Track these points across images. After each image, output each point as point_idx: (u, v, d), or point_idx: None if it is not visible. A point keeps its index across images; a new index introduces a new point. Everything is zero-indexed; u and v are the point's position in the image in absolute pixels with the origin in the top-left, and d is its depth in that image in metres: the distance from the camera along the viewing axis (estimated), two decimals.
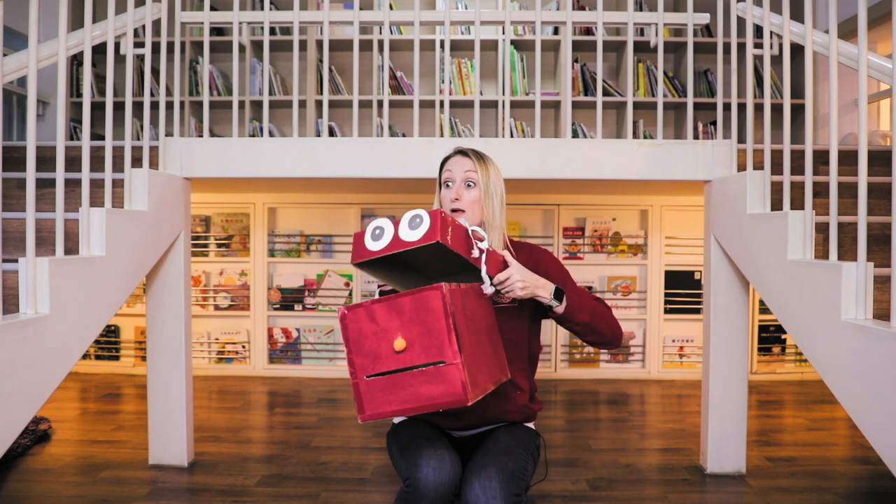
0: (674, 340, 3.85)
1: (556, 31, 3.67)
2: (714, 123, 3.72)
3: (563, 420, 3.03)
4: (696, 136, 3.68)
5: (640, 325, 3.87)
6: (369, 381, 1.11)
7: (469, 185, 1.45)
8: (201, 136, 3.07)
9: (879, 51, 3.25)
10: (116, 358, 3.91)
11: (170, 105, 3.24)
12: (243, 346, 3.87)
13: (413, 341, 1.11)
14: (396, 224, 1.22)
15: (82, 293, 1.61)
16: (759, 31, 2.28)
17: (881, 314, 1.43)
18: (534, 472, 1.43)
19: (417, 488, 1.19)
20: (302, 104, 3.69)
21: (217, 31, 3.67)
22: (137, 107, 3.38)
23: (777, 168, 2.06)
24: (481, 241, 1.27)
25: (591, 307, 1.43)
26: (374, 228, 1.22)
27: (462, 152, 1.50)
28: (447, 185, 1.48)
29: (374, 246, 1.21)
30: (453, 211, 1.44)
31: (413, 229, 1.19)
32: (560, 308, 1.38)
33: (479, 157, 1.49)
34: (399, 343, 1.11)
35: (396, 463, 1.37)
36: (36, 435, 2.61)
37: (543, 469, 1.56)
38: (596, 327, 1.43)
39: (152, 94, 3.69)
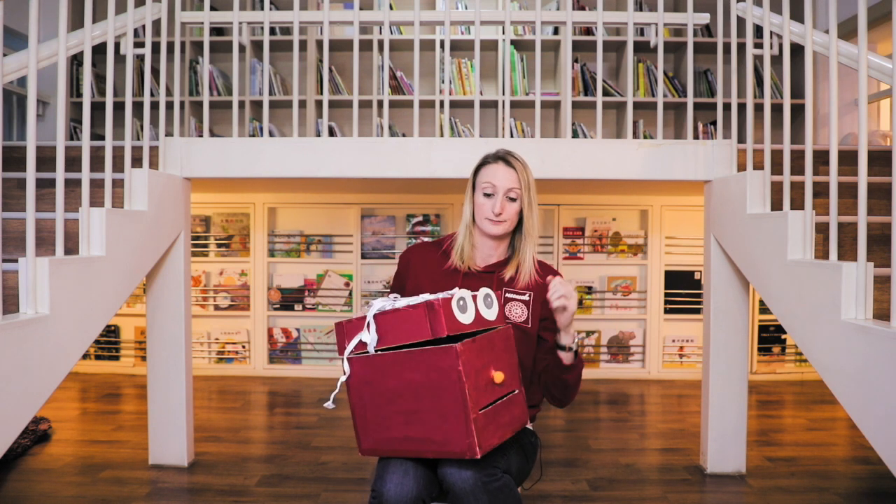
0: (674, 340, 3.85)
1: (556, 31, 3.67)
2: (714, 123, 3.71)
3: (563, 420, 3.03)
4: (696, 136, 3.68)
5: (640, 325, 3.87)
6: (482, 415, 1.15)
7: (511, 199, 1.43)
8: (201, 136, 3.07)
9: (879, 51, 3.25)
10: (116, 358, 3.91)
11: (170, 105, 3.23)
12: (243, 346, 3.87)
13: (504, 373, 1.22)
14: (475, 298, 1.24)
15: (82, 293, 1.61)
16: (759, 31, 2.27)
17: (881, 314, 1.43)
18: (528, 469, 1.43)
19: (380, 501, 1.22)
20: (302, 104, 3.69)
21: (217, 31, 3.67)
22: (137, 107, 3.38)
23: (777, 168, 2.06)
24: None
25: (577, 374, 1.41)
26: (458, 299, 1.19)
27: (506, 161, 1.45)
28: (487, 195, 1.43)
29: (463, 319, 1.20)
30: (489, 220, 1.42)
31: (489, 308, 1.27)
32: (569, 357, 1.37)
33: (523, 166, 1.46)
34: (499, 376, 1.20)
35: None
36: (36, 435, 2.61)
37: (539, 469, 1.55)
38: (568, 390, 1.42)
39: (152, 94, 3.69)
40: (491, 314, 1.27)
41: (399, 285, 1.55)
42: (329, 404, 1.27)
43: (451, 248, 1.50)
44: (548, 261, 3.77)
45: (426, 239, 3.86)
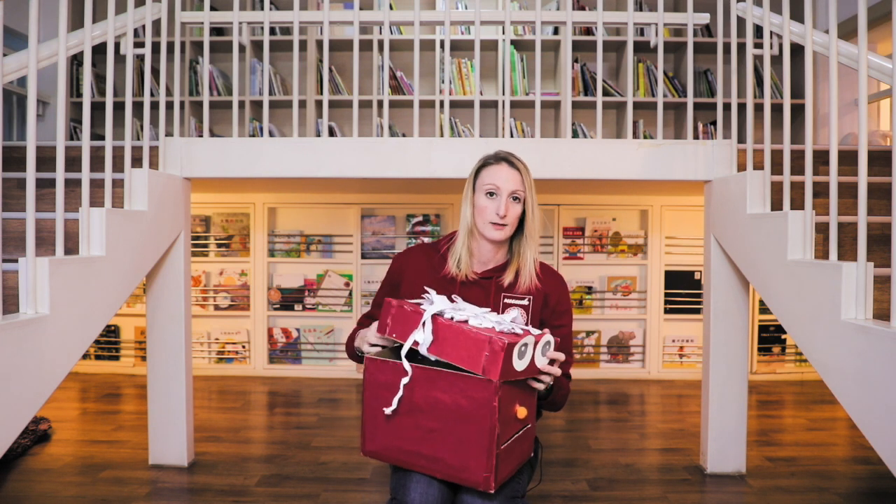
0: (674, 340, 3.85)
1: (556, 31, 3.67)
2: (714, 123, 3.71)
3: (563, 420, 3.03)
4: (696, 136, 3.68)
5: (640, 325, 3.87)
6: (503, 450, 1.15)
7: (515, 199, 1.39)
8: (201, 136, 3.07)
9: (879, 51, 3.25)
10: (116, 358, 3.91)
11: (170, 105, 3.24)
12: (243, 346, 3.87)
13: (527, 409, 1.22)
14: (536, 344, 1.19)
15: (82, 293, 1.61)
16: (759, 31, 2.28)
17: (881, 314, 1.43)
18: (531, 477, 1.43)
19: None
20: (302, 104, 3.69)
21: (217, 31, 3.67)
22: (137, 107, 3.38)
23: (777, 168, 2.06)
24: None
25: (560, 399, 1.41)
26: (521, 345, 1.14)
27: (510, 162, 1.41)
28: (490, 195, 1.39)
29: (518, 366, 1.15)
30: (493, 224, 1.38)
31: (542, 355, 1.22)
32: (544, 394, 1.36)
33: (525, 168, 1.42)
34: (522, 411, 1.19)
35: (391, 474, 1.37)
36: (36, 435, 2.61)
37: (539, 473, 1.55)
38: (556, 407, 1.43)
39: (152, 94, 3.69)
40: (542, 361, 1.22)
41: (391, 288, 1.51)
42: (388, 410, 1.20)
43: (449, 253, 1.45)
44: (548, 261, 3.79)
45: (426, 239, 3.86)
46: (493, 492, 1.13)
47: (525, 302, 1.43)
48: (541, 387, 1.25)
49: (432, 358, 1.18)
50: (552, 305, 1.45)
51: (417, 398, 1.17)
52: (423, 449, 1.18)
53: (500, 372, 1.09)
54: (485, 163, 1.44)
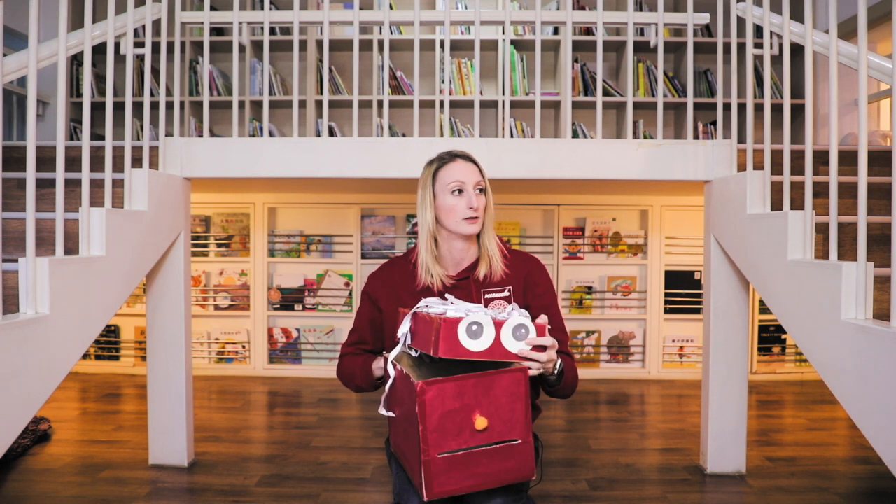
0: (674, 340, 3.85)
1: (556, 31, 3.67)
2: (714, 123, 3.71)
3: (563, 420, 3.03)
4: (696, 136, 3.68)
5: (640, 325, 3.87)
6: (441, 459, 1.08)
7: (480, 191, 1.41)
8: (201, 136, 3.07)
9: (879, 51, 3.25)
10: (116, 358, 3.91)
11: (170, 105, 3.24)
12: (243, 346, 3.87)
13: (492, 419, 1.11)
14: (498, 326, 1.13)
15: (82, 293, 1.61)
16: (759, 31, 2.28)
17: (881, 314, 1.43)
18: None
19: None
20: (302, 104, 3.69)
21: (217, 31, 3.67)
22: (137, 107, 3.38)
23: (777, 168, 2.06)
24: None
25: (571, 382, 1.34)
26: (469, 324, 1.11)
27: (464, 157, 1.43)
28: (456, 192, 1.39)
29: (472, 346, 1.11)
30: (468, 219, 1.37)
31: (517, 339, 1.15)
32: (552, 380, 1.29)
33: (477, 161, 1.45)
34: (481, 422, 1.10)
35: (393, 476, 1.38)
36: (36, 435, 2.61)
37: (540, 471, 1.55)
38: (565, 394, 1.37)
39: (152, 94, 3.69)
40: (517, 346, 1.15)
41: (370, 313, 1.48)
42: (381, 410, 1.27)
43: (418, 263, 1.43)
44: (547, 261, 3.79)
45: None
46: (426, 500, 1.07)
47: (506, 293, 1.42)
48: (533, 372, 1.18)
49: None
50: (532, 289, 1.44)
51: (398, 397, 1.22)
52: (403, 445, 1.22)
53: (442, 348, 1.09)
54: (440, 164, 1.43)
